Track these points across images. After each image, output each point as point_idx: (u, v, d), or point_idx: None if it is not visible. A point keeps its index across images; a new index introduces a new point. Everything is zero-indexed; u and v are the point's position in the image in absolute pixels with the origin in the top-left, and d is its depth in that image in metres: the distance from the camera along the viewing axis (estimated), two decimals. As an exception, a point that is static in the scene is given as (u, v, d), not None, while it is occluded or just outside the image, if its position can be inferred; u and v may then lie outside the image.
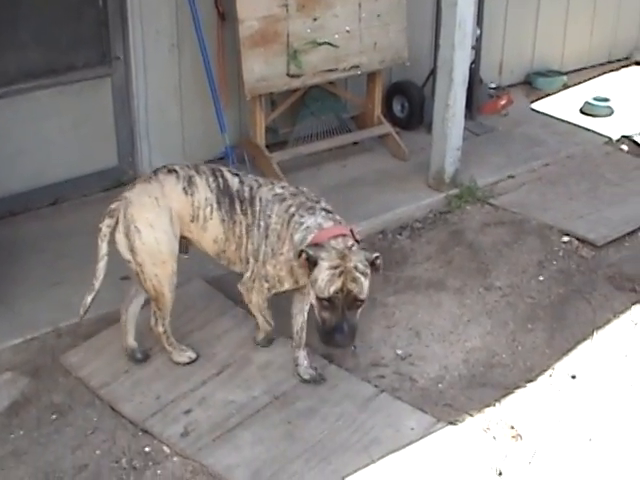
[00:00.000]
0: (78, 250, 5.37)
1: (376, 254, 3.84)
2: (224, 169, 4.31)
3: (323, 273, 3.72)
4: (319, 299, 3.78)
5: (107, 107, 6.16)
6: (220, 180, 4.19)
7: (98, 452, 4.01)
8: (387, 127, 6.90)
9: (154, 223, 4.12)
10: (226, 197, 4.15)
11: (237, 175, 4.27)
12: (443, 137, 6.15)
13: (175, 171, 4.21)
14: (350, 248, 3.79)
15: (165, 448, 3.99)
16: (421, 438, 3.99)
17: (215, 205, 4.14)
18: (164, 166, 4.31)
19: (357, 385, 4.33)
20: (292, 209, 4.02)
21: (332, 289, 3.71)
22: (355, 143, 6.91)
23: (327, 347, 4.05)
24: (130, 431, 4.11)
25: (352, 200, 6.02)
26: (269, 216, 4.07)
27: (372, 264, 3.82)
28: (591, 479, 3.84)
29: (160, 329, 4.34)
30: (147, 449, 4.01)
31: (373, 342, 4.74)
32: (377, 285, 5.19)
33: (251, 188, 4.17)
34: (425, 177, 6.38)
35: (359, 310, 3.82)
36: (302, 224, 3.95)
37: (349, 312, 3.76)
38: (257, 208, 4.11)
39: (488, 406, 4.25)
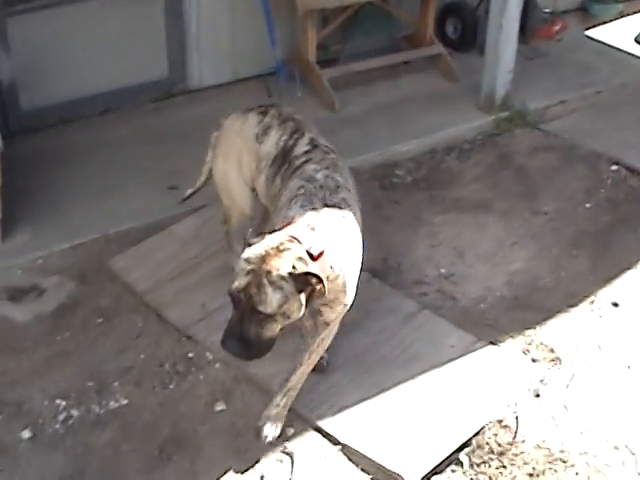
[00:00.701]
0: (128, 159, 5.43)
1: (313, 272, 3.09)
2: (309, 134, 3.89)
3: (237, 264, 3.19)
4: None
5: (159, 18, 6.13)
6: (290, 141, 3.88)
7: (142, 356, 4.10)
8: (439, 47, 6.83)
9: (226, 155, 4.15)
10: (281, 158, 3.86)
11: (313, 144, 3.82)
12: (495, 59, 6.08)
13: (264, 114, 4.05)
14: (280, 250, 3.11)
15: (208, 354, 4.07)
16: (461, 356, 4.02)
17: (270, 162, 3.91)
18: (272, 104, 4.25)
19: (400, 301, 4.37)
20: (300, 191, 3.52)
21: (233, 285, 3.11)
22: (406, 63, 6.84)
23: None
24: (174, 337, 4.19)
25: (402, 119, 6.01)
26: (286, 189, 3.68)
27: (296, 280, 3.09)
28: (628, 406, 3.86)
29: (225, 228, 4.38)
30: (190, 355, 4.09)
31: (417, 260, 4.76)
32: (423, 204, 5.23)
33: (306, 160, 3.74)
34: (475, 99, 6.32)
35: (265, 324, 3.12)
36: (288, 210, 3.47)
37: (247, 321, 3.11)
38: (288, 178, 3.75)
39: (529, 328, 4.27)
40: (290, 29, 6.54)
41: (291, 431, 3.68)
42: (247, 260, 3.12)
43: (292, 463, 3.56)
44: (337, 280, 3.31)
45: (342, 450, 3.60)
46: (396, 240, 4.92)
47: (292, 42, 6.56)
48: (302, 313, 3.19)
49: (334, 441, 3.63)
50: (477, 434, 3.68)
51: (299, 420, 3.73)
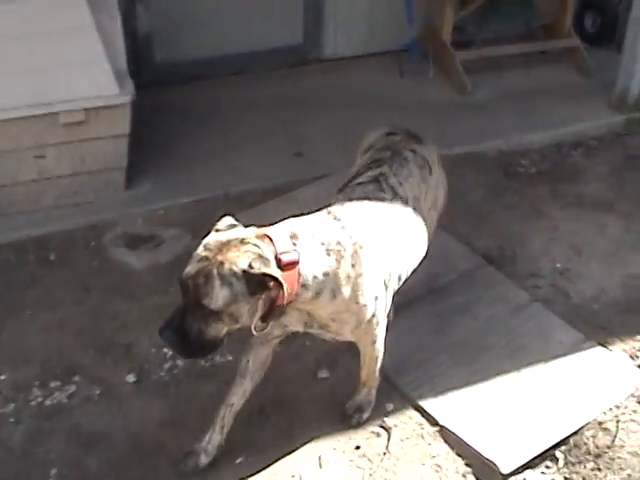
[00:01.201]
0: (255, 121, 5.50)
1: (271, 274, 2.74)
2: (389, 173, 3.45)
3: (197, 249, 2.87)
4: None
5: (298, -16, 6.20)
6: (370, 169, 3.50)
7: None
8: (575, 40, 6.74)
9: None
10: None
11: (377, 179, 3.42)
12: (633, 57, 5.95)
13: (393, 134, 3.74)
14: (243, 244, 2.79)
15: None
16: (568, 353, 3.98)
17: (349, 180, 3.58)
18: (406, 132, 3.77)
19: (512, 291, 4.33)
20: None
21: (185, 270, 2.80)
22: (542, 52, 6.76)
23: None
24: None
25: (531, 109, 5.96)
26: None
27: (250, 280, 2.74)
28: None
29: None
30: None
31: (533, 252, 4.71)
32: (545, 197, 5.17)
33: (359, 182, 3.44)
34: (608, 97, 6.21)
35: (209, 322, 2.82)
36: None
37: (191, 314, 2.81)
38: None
39: (640, 334, 4.21)
40: (427, 8, 6.51)
41: (390, 407, 3.69)
42: (205, 246, 2.82)
43: (388, 438, 3.57)
44: (320, 295, 2.96)
45: (439, 432, 3.60)
46: (514, 230, 4.87)
47: (428, 21, 6.55)
48: (256, 320, 2.86)
49: (432, 422, 3.63)
50: (575, 433, 3.63)
51: (400, 397, 3.73)
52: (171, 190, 4.99)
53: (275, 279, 2.74)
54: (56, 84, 4.64)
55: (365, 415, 3.63)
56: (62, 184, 4.93)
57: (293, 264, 2.83)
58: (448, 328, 4.03)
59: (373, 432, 3.59)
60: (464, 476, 3.44)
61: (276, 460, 3.44)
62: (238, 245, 2.78)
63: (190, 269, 2.77)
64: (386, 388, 3.74)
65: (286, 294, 2.79)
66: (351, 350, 3.87)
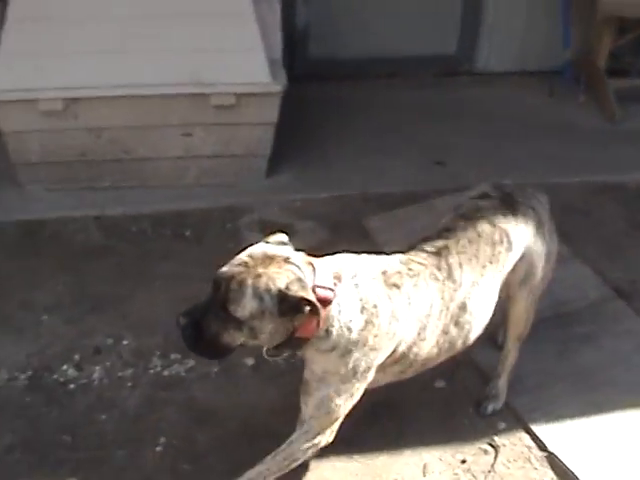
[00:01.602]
0: (401, 126, 5.53)
1: (309, 299, 2.65)
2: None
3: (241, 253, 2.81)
4: None
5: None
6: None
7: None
8: None
9: None
10: None
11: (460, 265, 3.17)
12: None
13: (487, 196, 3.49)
14: (285, 261, 2.71)
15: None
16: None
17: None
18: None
19: (640, 327, 4.27)
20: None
21: (221, 269, 2.74)
22: None
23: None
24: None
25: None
26: None
27: (283, 300, 2.66)
28: None
29: None
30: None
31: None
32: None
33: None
34: None
35: (228, 328, 2.73)
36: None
37: (213, 313, 2.73)
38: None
39: None
40: (584, 32, 6.44)
41: (502, 425, 3.66)
42: (250, 254, 2.75)
43: (495, 456, 3.55)
44: (335, 349, 2.84)
45: (547, 457, 3.55)
46: (649, 266, 4.77)
47: (584, 45, 6.46)
48: (274, 343, 2.80)
49: (542, 447, 3.58)
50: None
51: (513, 417, 3.70)
52: (310, 183, 5.06)
53: (312, 305, 2.65)
54: (211, 66, 4.76)
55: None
56: (205, 164, 5.06)
57: (326, 302, 2.73)
58: (571, 355, 3.97)
59: (481, 448, 3.56)
60: (565, 506, 3.41)
61: (380, 462, 3.46)
62: (281, 263, 2.70)
63: (227, 270, 2.71)
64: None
65: (321, 320, 2.72)
66: (471, 364, 3.88)
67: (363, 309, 2.83)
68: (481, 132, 5.71)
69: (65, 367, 3.80)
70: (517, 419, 3.70)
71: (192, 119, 4.91)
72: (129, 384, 3.74)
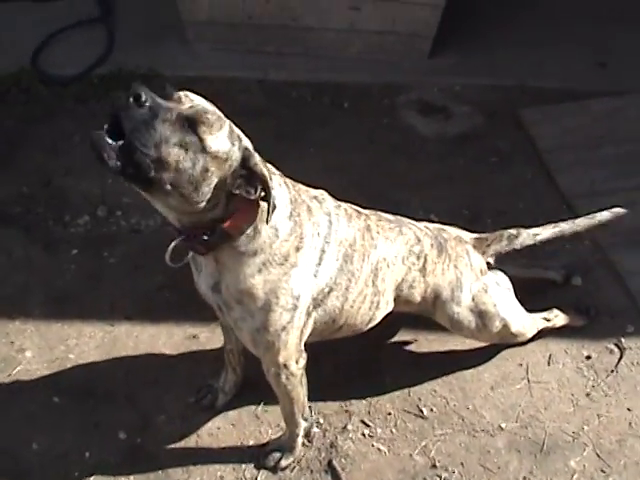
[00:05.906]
0: (568, 22, 5.45)
1: (267, 179, 2.40)
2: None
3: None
4: None
5: None
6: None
7: (521, 205, 4.23)
8: None
9: None
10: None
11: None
12: None
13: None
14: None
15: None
16: None
17: None
18: None
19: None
20: None
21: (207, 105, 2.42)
22: None
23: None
24: (556, 201, 4.25)
25: None
26: None
27: (246, 160, 2.41)
28: None
29: None
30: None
31: None
32: None
33: None
34: None
35: (182, 148, 2.29)
36: None
37: (165, 124, 2.26)
38: None
39: None
40: None
41: (631, 329, 3.65)
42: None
43: (620, 357, 3.54)
44: (255, 256, 2.57)
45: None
46: None
47: None
48: (198, 204, 2.38)
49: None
50: None
51: (642, 321, 3.68)
52: (471, 69, 5.06)
53: (267, 188, 2.41)
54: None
55: (283, 462, 3.17)
56: (369, 39, 5.10)
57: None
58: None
59: (607, 348, 3.60)
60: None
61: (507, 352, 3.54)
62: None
63: (214, 108, 2.42)
64: (630, 309, 3.73)
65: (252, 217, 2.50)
66: (607, 263, 3.84)
67: (291, 215, 2.61)
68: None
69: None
70: (646, 323, 3.71)
71: (360, -8, 4.95)
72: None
